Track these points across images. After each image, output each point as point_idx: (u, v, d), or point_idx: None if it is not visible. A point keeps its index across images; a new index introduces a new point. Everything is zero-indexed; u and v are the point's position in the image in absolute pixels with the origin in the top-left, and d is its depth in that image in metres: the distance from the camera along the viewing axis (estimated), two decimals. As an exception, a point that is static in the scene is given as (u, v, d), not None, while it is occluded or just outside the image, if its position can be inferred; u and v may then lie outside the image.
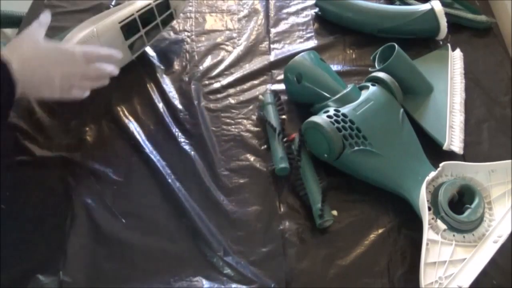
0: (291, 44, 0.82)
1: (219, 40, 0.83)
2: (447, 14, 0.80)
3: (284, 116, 0.71)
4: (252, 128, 0.71)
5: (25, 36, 0.58)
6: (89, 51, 0.61)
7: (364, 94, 0.65)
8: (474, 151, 0.68)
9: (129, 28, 0.70)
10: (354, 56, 0.82)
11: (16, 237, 0.58)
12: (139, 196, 0.63)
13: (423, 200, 0.56)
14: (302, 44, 0.83)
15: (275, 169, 0.64)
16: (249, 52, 0.81)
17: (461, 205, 0.57)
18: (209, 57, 0.80)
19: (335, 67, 0.80)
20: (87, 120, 0.70)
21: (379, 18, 0.81)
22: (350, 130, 0.60)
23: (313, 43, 0.83)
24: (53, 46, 0.59)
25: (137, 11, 0.70)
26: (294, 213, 0.63)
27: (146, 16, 0.72)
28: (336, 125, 0.60)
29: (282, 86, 0.76)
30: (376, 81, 0.67)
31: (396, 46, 0.69)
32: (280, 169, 0.64)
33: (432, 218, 0.56)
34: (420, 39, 0.81)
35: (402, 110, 0.65)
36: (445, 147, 0.65)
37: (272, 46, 0.82)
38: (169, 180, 0.64)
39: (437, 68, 0.76)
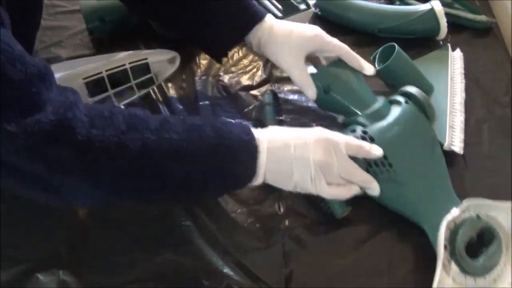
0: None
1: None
2: (447, 14, 0.80)
3: (282, 118, 0.71)
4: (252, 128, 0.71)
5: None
6: (354, 144, 0.55)
7: (395, 112, 0.60)
8: (474, 151, 0.68)
9: (96, 85, 0.64)
10: (354, 56, 0.81)
11: (16, 237, 0.58)
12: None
13: (440, 237, 0.54)
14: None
15: None
16: (250, 52, 0.81)
17: (479, 244, 0.55)
18: (209, 57, 0.80)
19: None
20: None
21: (379, 18, 0.82)
22: None
23: (313, 43, 0.83)
24: (311, 132, 0.54)
25: (106, 70, 0.64)
26: (294, 213, 0.63)
27: (118, 76, 0.65)
28: None
29: (282, 86, 0.76)
30: (408, 96, 0.62)
31: (396, 46, 0.69)
32: None
33: (447, 258, 0.54)
34: (420, 39, 0.81)
35: (434, 134, 0.61)
36: (445, 147, 0.65)
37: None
38: (169, 180, 0.64)
39: (437, 68, 0.76)
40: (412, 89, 0.62)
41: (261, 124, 0.70)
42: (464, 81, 0.75)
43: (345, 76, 0.64)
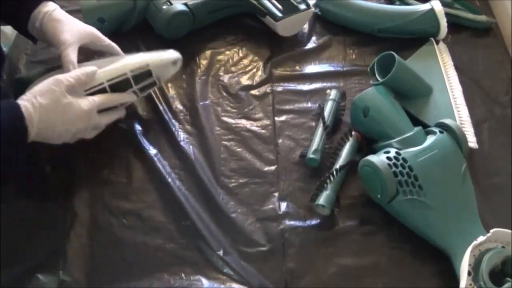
0: (291, 44, 0.82)
1: (220, 39, 0.83)
2: (447, 14, 0.80)
3: (282, 118, 0.72)
4: (253, 128, 0.71)
5: (49, 86, 0.56)
6: (102, 105, 0.61)
7: (430, 140, 0.62)
8: (474, 151, 0.68)
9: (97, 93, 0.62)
10: (354, 56, 0.82)
11: (16, 237, 0.58)
12: (139, 196, 0.63)
13: (465, 263, 0.54)
14: (303, 44, 0.83)
15: (306, 157, 0.65)
16: (250, 52, 0.81)
17: (502, 274, 0.54)
18: (210, 56, 0.80)
19: (335, 67, 0.80)
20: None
21: (379, 18, 0.81)
22: (407, 176, 0.58)
23: (313, 43, 0.83)
24: (73, 105, 0.58)
25: (108, 81, 0.62)
26: (294, 213, 0.63)
27: (120, 84, 0.63)
28: (394, 169, 0.57)
29: (282, 86, 0.76)
30: (445, 128, 0.63)
31: (396, 56, 0.68)
32: (309, 159, 0.65)
33: (470, 284, 0.54)
34: (420, 39, 0.81)
35: (465, 165, 0.61)
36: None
37: (272, 46, 0.82)
38: (169, 180, 0.64)
39: (428, 65, 0.76)
40: (447, 122, 0.64)
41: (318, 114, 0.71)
42: (456, 73, 0.76)
43: (384, 100, 0.66)
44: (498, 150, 0.70)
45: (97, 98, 0.60)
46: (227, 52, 0.81)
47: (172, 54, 0.68)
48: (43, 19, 0.63)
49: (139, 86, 0.65)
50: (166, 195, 0.63)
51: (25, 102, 0.54)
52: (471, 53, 0.82)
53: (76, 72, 0.59)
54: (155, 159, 0.66)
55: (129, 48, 0.70)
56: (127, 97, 0.64)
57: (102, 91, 0.62)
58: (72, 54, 0.62)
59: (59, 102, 0.56)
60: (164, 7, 0.76)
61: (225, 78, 0.77)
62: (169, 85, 0.75)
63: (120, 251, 0.58)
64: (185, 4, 0.76)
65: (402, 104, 0.67)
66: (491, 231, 0.55)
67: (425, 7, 0.81)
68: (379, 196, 0.59)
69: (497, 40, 0.85)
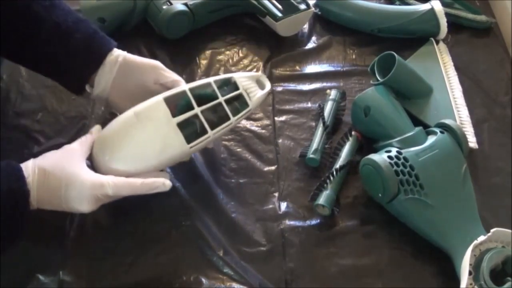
0: (291, 44, 0.82)
1: (220, 39, 0.83)
2: (447, 14, 0.80)
3: (282, 118, 0.72)
4: (253, 128, 0.71)
5: (63, 163, 0.52)
6: (122, 194, 0.54)
7: (431, 139, 0.62)
8: (474, 151, 0.68)
9: (177, 101, 0.57)
10: (354, 56, 0.82)
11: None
12: (139, 196, 0.63)
13: (465, 263, 0.54)
14: (303, 44, 0.83)
15: (306, 157, 0.65)
16: (250, 52, 0.81)
17: (503, 274, 0.54)
18: (210, 56, 0.80)
19: (335, 67, 0.80)
20: (87, 119, 0.70)
21: (379, 18, 0.82)
22: (408, 176, 0.58)
23: (313, 43, 0.83)
24: (89, 185, 0.51)
25: (189, 88, 0.58)
26: (294, 213, 0.63)
27: (203, 92, 0.58)
28: (395, 167, 0.58)
29: (281, 86, 0.76)
30: (445, 128, 0.64)
31: (396, 56, 0.68)
32: (309, 159, 0.65)
33: (471, 284, 0.54)
34: (420, 39, 0.81)
35: (465, 165, 0.61)
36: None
37: (272, 46, 0.82)
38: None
39: (428, 65, 0.76)
40: (448, 122, 0.64)
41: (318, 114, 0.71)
42: (456, 73, 0.76)
43: (385, 99, 0.66)
44: (498, 150, 0.70)
45: (112, 181, 0.52)
46: (227, 52, 0.81)
47: (254, 73, 0.65)
48: (121, 58, 0.60)
49: (226, 97, 0.59)
50: (166, 195, 0.63)
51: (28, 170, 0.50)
52: (471, 53, 0.82)
53: (81, 140, 0.56)
54: (155, 159, 0.66)
55: (129, 48, 0.70)
56: (155, 184, 0.56)
57: (183, 96, 0.58)
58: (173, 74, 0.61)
59: (74, 176, 0.51)
60: (164, 7, 0.76)
61: (225, 78, 0.77)
62: (169, 85, 0.75)
63: (120, 251, 0.58)
64: (185, 4, 0.77)
65: (402, 104, 0.67)
66: (492, 230, 0.56)
67: (425, 7, 0.81)
68: (380, 195, 0.59)
69: (497, 40, 0.85)
